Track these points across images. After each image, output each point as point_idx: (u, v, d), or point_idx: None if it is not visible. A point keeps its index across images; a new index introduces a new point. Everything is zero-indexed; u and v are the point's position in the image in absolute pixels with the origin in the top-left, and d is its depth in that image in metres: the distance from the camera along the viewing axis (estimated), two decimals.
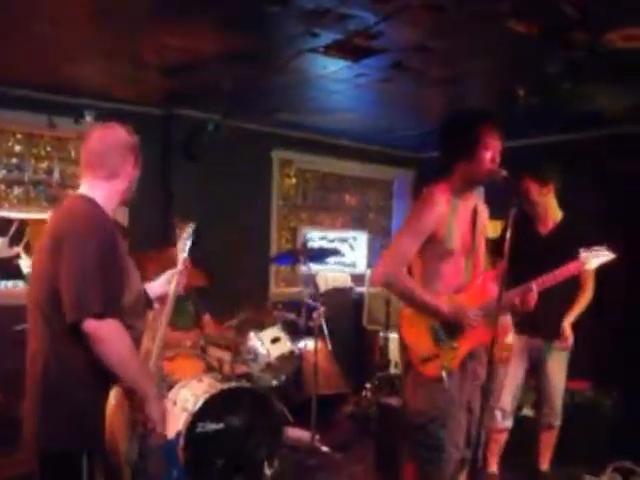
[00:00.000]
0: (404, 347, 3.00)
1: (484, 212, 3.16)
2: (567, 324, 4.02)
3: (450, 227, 2.90)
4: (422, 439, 2.94)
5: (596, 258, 3.21)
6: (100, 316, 2.08)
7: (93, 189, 2.33)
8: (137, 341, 2.33)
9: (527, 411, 4.68)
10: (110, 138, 2.37)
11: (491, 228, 4.06)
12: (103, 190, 2.33)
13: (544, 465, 4.27)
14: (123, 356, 2.14)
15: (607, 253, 3.24)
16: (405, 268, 2.97)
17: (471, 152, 2.88)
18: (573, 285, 3.94)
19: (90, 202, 2.29)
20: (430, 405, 2.90)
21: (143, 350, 2.43)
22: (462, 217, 2.98)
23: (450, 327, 2.92)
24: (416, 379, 2.96)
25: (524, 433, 4.37)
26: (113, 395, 2.17)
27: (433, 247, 2.90)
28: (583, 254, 3.20)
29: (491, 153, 2.88)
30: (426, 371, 2.91)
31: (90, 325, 2.07)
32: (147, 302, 2.60)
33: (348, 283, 7.39)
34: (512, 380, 4.11)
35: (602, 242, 3.23)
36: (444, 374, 2.86)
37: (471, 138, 2.88)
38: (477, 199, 3.12)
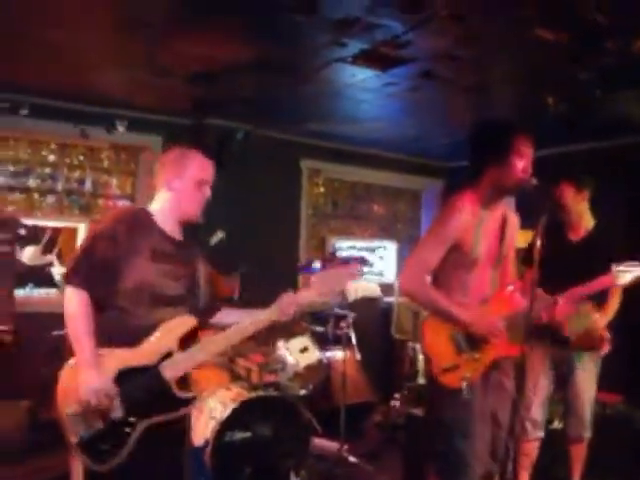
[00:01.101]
0: (425, 356, 2.98)
1: (514, 222, 3.11)
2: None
3: (477, 237, 2.86)
4: (445, 453, 2.90)
5: (629, 273, 3.14)
6: (70, 282, 2.42)
7: (152, 201, 2.66)
8: (130, 326, 2.44)
9: (557, 424, 4.60)
10: (158, 161, 2.71)
11: (522, 238, 4.02)
12: (156, 202, 2.63)
13: (576, 478, 4.19)
14: (68, 317, 2.39)
15: (638, 268, 3.18)
16: (428, 276, 2.94)
17: (504, 159, 2.84)
18: (601, 294, 3.87)
19: (135, 207, 2.81)
20: (451, 417, 2.86)
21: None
22: (489, 227, 2.94)
23: (472, 338, 2.88)
24: (438, 390, 2.91)
25: (555, 446, 4.29)
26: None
27: (458, 256, 2.86)
28: (615, 269, 3.15)
29: (524, 162, 2.85)
30: (446, 381, 2.86)
31: (65, 288, 2.45)
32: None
33: (377, 293, 7.36)
34: (541, 390, 4.04)
35: (634, 251, 3.17)
36: (464, 385, 2.82)
37: (505, 145, 2.85)
38: (507, 209, 3.08)
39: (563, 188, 3.91)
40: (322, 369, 4.93)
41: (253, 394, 4.05)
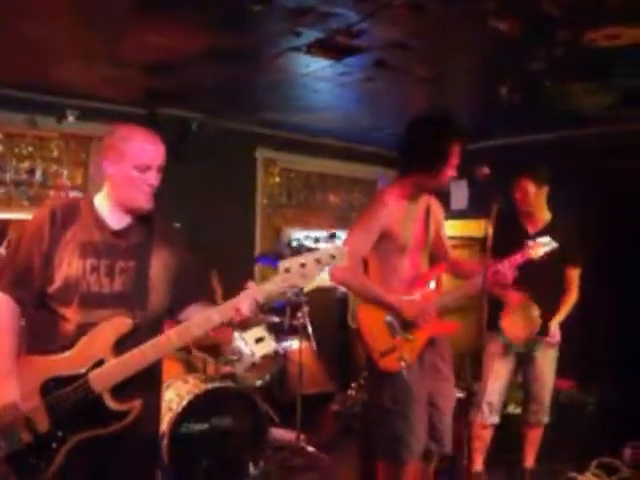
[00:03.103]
0: (362, 342, 3.06)
1: (438, 210, 3.31)
2: (554, 323, 4.03)
3: (405, 226, 3.03)
4: (383, 431, 3.02)
5: (541, 247, 3.28)
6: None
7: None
8: (61, 330, 2.26)
9: (512, 409, 4.69)
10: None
11: (479, 227, 4.09)
12: (102, 190, 2.44)
13: (529, 462, 4.28)
14: None
15: (550, 242, 3.31)
16: (361, 265, 3.09)
17: (435, 169, 2.98)
18: (559, 283, 4.01)
19: (75, 198, 2.66)
20: (391, 398, 2.97)
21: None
22: (417, 216, 3.12)
23: (404, 320, 3.00)
24: (377, 374, 3.02)
25: (509, 430, 4.38)
26: None
27: (389, 244, 3.03)
28: (529, 243, 3.27)
29: (452, 169, 3.00)
30: (385, 364, 2.97)
31: None
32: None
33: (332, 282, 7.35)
34: (498, 376, 4.10)
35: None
36: (403, 366, 2.91)
37: (440, 158, 2.96)
38: (430, 198, 3.25)
39: (525, 183, 4.00)
40: (278, 359, 4.93)
41: (209, 385, 4.03)
